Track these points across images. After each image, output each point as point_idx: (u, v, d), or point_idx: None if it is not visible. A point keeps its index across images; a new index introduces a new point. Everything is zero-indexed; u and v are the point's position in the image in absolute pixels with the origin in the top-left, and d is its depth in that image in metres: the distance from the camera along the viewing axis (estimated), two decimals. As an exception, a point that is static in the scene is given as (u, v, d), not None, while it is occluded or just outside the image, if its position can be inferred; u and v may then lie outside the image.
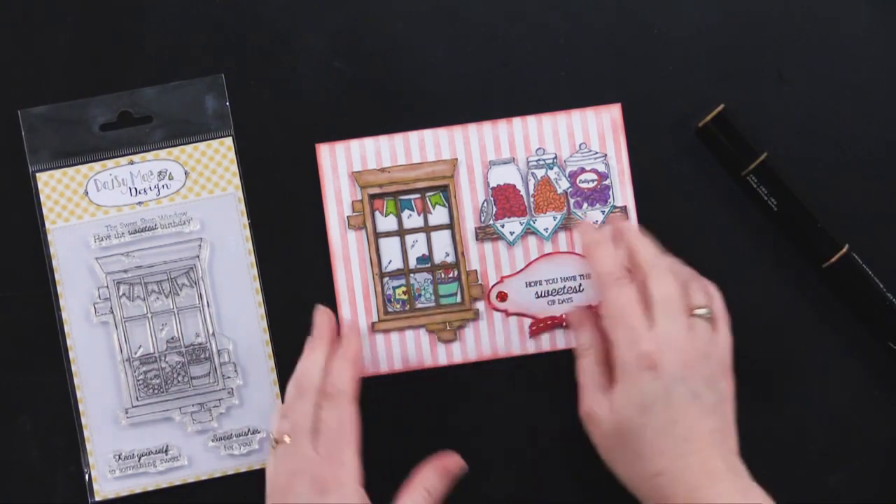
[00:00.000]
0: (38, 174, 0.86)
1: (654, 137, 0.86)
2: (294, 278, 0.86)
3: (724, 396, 0.75)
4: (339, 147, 0.85)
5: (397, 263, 0.85)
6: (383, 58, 0.88)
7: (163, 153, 0.87)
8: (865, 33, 0.87)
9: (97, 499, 0.85)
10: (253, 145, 0.87)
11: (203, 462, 0.86)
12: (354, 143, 0.85)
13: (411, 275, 0.85)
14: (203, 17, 0.88)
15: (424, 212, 0.85)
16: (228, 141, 0.87)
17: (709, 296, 0.78)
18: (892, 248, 0.86)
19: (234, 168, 0.87)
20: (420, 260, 0.85)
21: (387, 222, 0.85)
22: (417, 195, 0.85)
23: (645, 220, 0.84)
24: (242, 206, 0.87)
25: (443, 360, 0.84)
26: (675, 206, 0.86)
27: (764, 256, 0.86)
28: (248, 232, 0.87)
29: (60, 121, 0.87)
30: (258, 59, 0.88)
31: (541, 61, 0.87)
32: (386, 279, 0.85)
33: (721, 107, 0.84)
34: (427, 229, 0.85)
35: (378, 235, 0.85)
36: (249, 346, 0.86)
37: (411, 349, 0.85)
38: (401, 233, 0.85)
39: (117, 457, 0.85)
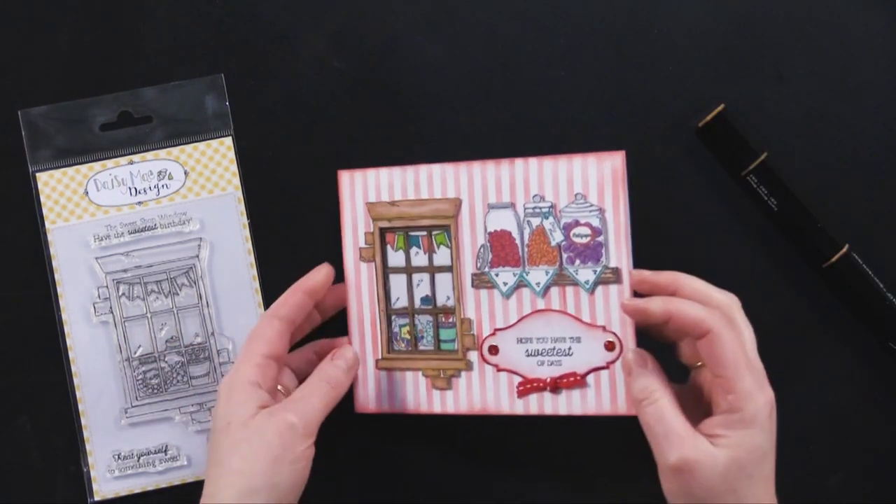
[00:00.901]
0: (38, 174, 0.86)
1: (654, 137, 0.86)
2: (293, 278, 0.85)
3: None
4: (358, 175, 0.84)
5: (403, 301, 0.84)
6: (383, 58, 0.88)
7: (162, 153, 0.87)
8: (865, 33, 0.86)
9: (97, 498, 0.85)
10: (253, 145, 0.87)
11: (202, 462, 0.86)
12: (371, 173, 0.84)
13: (415, 316, 0.85)
14: (203, 17, 0.88)
15: (430, 251, 0.84)
16: (228, 141, 0.87)
17: None
18: (892, 248, 0.86)
19: (234, 168, 0.87)
20: (424, 300, 0.84)
21: (396, 257, 0.84)
22: (424, 232, 0.84)
23: (645, 221, 0.83)
24: (242, 206, 0.87)
25: (437, 409, 0.84)
26: (675, 206, 0.86)
27: (764, 256, 0.86)
28: (247, 232, 0.87)
29: (60, 121, 0.87)
30: (258, 59, 0.88)
31: (540, 62, 0.87)
32: (393, 316, 0.84)
33: (721, 107, 0.84)
34: (431, 269, 0.84)
35: (388, 271, 0.84)
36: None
37: (410, 392, 0.84)
38: (408, 270, 0.84)
39: (117, 456, 0.86)
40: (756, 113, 0.86)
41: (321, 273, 0.82)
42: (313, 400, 0.76)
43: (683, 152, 0.86)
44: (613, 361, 0.80)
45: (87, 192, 0.87)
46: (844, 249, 0.84)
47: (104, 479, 0.85)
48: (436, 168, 0.83)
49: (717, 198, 0.86)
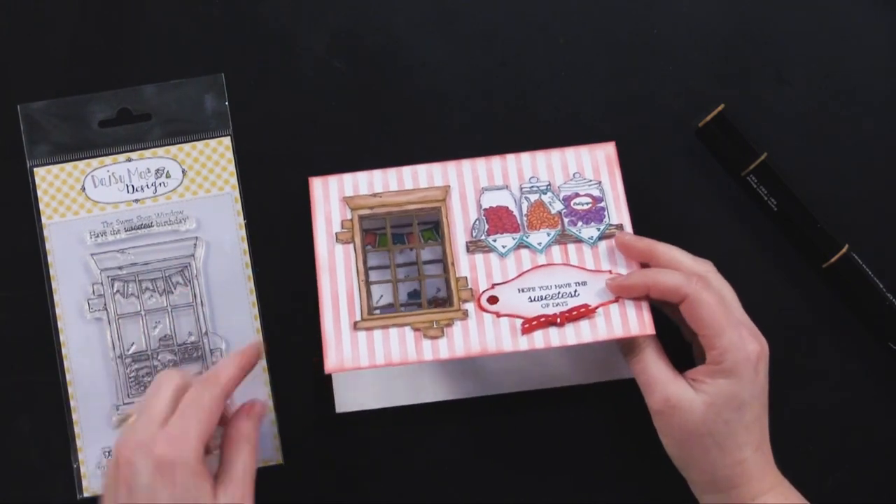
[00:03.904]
0: (35, 169, 0.86)
1: (654, 137, 0.86)
2: (288, 279, 0.85)
3: None
4: (332, 180, 0.83)
5: (388, 299, 0.82)
6: (383, 58, 0.88)
7: (161, 151, 0.87)
8: (865, 33, 0.87)
9: (86, 494, 0.84)
10: (251, 145, 0.87)
11: (193, 460, 0.85)
12: (347, 177, 0.83)
13: (401, 308, 0.82)
14: (203, 16, 0.89)
15: (417, 246, 0.83)
16: (227, 140, 0.87)
17: None
18: (892, 248, 0.86)
19: (232, 168, 0.87)
20: (411, 295, 0.83)
21: (378, 256, 0.83)
22: (409, 229, 0.83)
23: (645, 221, 0.83)
24: (239, 206, 0.87)
25: (428, 356, 0.79)
26: (675, 207, 0.86)
27: (764, 256, 0.86)
28: (243, 232, 0.86)
29: (60, 116, 0.87)
30: (258, 59, 0.88)
31: (540, 62, 0.87)
32: (373, 286, 0.82)
33: (721, 107, 0.84)
34: (419, 263, 0.82)
35: (367, 250, 0.82)
36: (242, 347, 0.85)
37: (395, 345, 0.79)
38: (392, 265, 0.82)
39: (107, 453, 0.85)
40: (756, 113, 0.86)
41: (256, 350, 0.80)
42: (246, 475, 0.75)
43: (683, 152, 0.86)
44: None
45: (84, 189, 0.86)
46: (844, 249, 0.84)
47: (94, 475, 0.84)
48: (421, 168, 0.83)
49: (717, 198, 0.86)
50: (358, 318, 0.80)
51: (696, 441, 0.75)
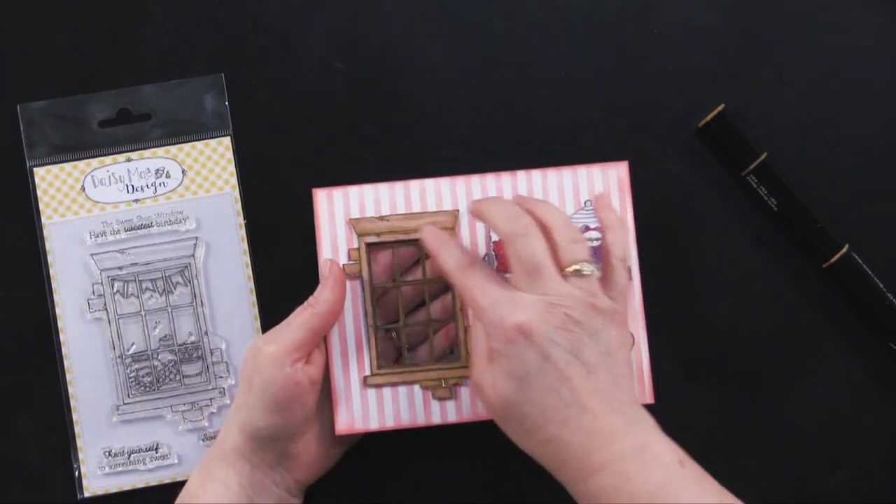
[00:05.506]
0: (35, 169, 0.86)
1: (654, 137, 0.86)
2: (288, 279, 0.85)
3: (611, 347, 0.70)
4: (337, 193, 0.81)
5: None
6: (383, 58, 0.88)
7: (161, 151, 0.87)
8: (865, 33, 0.87)
9: (86, 495, 0.84)
10: (251, 145, 0.87)
11: (193, 461, 0.85)
12: (353, 190, 0.81)
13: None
14: (203, 16, 0.88)
15: (422, 262, 0.82)
16: (227, 140, 0.87)
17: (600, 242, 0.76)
18: (892, 248, 0.86)
19: (232, 168, 0.87)
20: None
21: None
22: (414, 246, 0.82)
23: (646, 221, 0.83)
24: (239, 207, 0.87)
25: (436, 419, 0.80)
26: (675, 207, 0.86)
27: (764, 256, 0.86)
28: (243, 232, 0.86)
29: (59, 116, 0.87)
30: (258, 59, 0.88)
31: (540, 62, 0.87)
32: (381, 333, 0.82)
33: (721, 107, 0.84)
34: (426, 282, 0.81)
35: (376, 284, 0.81)
36: (242, 347, 0.86)
37: (404, 406, 0.80)
38: (398, 285, 0.81)
39: (107, 453, 0.85)
40: (756, 113, 0.86)
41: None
42: (292, 325, 0.78)
43: (683, 152, 0.86)
44: None
45: (84, 189, 0.86)
46: (844, 249, 0.84)
47: (94, 475, 0.84)
48: (429, 182, 0.81)
49: (717, 198, 0.86)
50: (367, 372, 0.80)
51: (506, 422, 0.71)
